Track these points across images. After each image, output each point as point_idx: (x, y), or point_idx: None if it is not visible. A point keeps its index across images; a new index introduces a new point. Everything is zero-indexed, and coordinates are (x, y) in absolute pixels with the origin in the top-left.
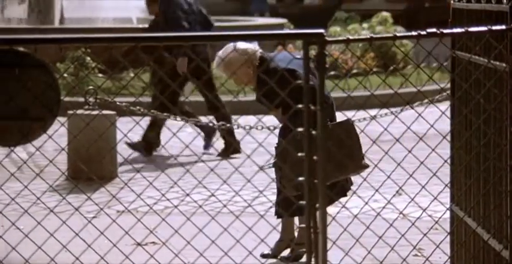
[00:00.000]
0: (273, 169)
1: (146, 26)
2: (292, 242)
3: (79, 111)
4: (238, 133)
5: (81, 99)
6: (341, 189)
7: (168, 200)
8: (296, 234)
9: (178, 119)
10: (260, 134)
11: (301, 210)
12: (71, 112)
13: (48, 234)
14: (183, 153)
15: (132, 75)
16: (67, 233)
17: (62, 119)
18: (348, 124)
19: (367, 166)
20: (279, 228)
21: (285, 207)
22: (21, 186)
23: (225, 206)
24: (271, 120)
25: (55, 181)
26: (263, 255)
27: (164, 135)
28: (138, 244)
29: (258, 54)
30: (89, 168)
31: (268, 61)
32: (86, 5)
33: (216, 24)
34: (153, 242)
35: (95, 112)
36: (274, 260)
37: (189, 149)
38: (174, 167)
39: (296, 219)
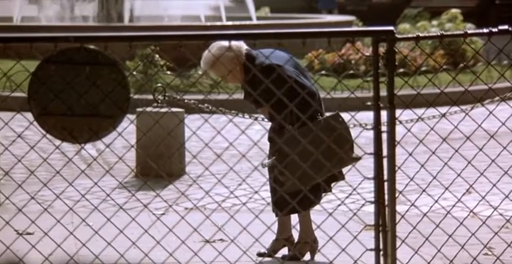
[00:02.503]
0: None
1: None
2: (287, 241)
3: (148, 109)
4: None
5: (150, 97)
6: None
7: (236, 197)
8: (292, 233)
9: (247, 116)
10: None
11: (296, 209)
12: (140, 110)
13: (118, 231)
14: (251, 150)
15: (200, 72)
16: (136, 229)
17: (131, 117)
18: (339, 117)
19: (360, 158)
20: (348, 226)
21: (281, 206)
22: (90, 183)
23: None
24: None
25: (124, 178)
26: (259, 254)
27: (232, 132)
28: (207, 241)
29: (243, 50)
30: (158, 166)
31: (255, 57)
32: (154, 3)
33: (284, 21)
34: (221, 239)
35: (164, 110)
36: (269, 259)
37: (257, 146)
38: (242, 164)
39: (295, 219)
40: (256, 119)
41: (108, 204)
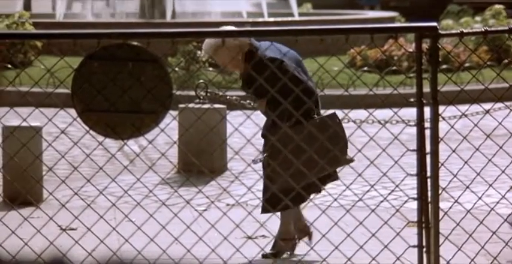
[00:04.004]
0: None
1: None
2: (302, 231)
3: (190, 105)
4: (349, 127)
5: (192, 93)
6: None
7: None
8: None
9: None
10: (371, 128)
11: (288, 205)
12: (182, 106)
13: (160, 227)
14: None
15: None
16: (178, 225)
17: (173, 113)
18: (335, 118)
19: (353, 160)
20: (391, 222)
21: (274, 203)
22: (133, 179)
23: (335, 199)
24: (382, 113)
25: (166, 174)
26: (264, 255)
27: None
28: (249, 237)
29: (247, 40)
30: (200, 162)
31: (258, 48)
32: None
33: (327, 18)
34: (263, 236)
35: (206, 106)
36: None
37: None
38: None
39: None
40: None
41: (151, 200)
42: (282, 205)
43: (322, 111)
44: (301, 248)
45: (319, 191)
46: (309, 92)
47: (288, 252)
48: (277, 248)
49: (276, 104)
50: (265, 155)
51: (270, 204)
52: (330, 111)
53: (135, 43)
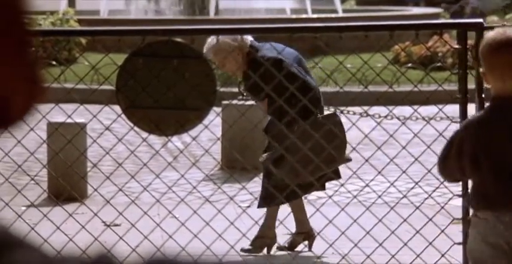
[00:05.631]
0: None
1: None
2: (307, 234)
3: (233, 102)
4: (394, 124)
5: (236, 90)
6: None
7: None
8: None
9: (331, 108)
10: (415, 124)
11: (281, 201)
12: (225, 102)
13: (204, 223)
14: None
15: None
16: (221, 221)
17: (217, 109)
18: (336, 117)
19: (350, 159)
20: (435, 219)
21: (270, 198)
22: (177, 175)
23: (379, 196)
24: (426, 110)
25: (210, 171)
26: (279, 248)
27: None
28: (292, 234)
29: (247, 41)
30: (243, 158)
31: (258, 50)
32: None
33: (370, 14)
34: None
35: (250, 102)
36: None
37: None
38: None
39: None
40: (341, 111)
41: (194, 196)
42: (275, 201)
43: (335, 109)
44: (344, 244)
45: (318, 189)
46: (308, 89)
47: (304, 246)
48: (292, 241)
49: (275, 102)
50: (269, 153)
51: (266, 199)
52: (331, 111)
53: (179, 40)
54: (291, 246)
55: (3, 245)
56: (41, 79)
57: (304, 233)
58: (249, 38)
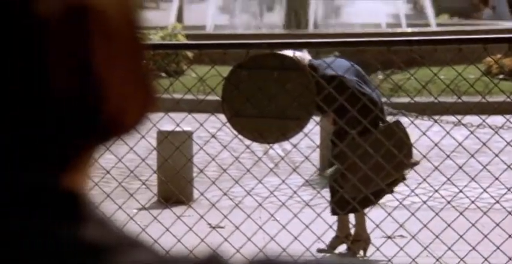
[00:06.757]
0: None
1: (398, 30)
2: (346, 238)
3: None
4: (486, 133)
5: None
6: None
7: (416, 195)
8: (352, 231)
9: (425, 118)
10: (507, 133)
11: (356, 208)
12: None
13: (303, 226)
14: (431, 151)
15: (380, 77)
16: (321, 225)
17: (316, 119)
18: (400, 124)
19: (418, 162)
20: None
21: (342, 206)
22: (278, 180)
23: (472, 202)
24: None
25: (309, 176)
26: (319, 250)
27: (413, 133)
28: (388, 237)
29: (306, 61)
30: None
31: (318, 68)
32: (336, 11)
33: (463, 28)
34: (401, 235)
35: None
36: (328, 255)
37: (438, 147)
38: (423, 163)
39: (352, 218)
40: (435, 121)
41: (294, 201)
42: (348, 209)
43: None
44: (438, 247)
45: (388, 193)
46: (372, 103)
47: (360, 254)
48: (351, 249)
49: (342, 117)
50: (335, 166)
51: (338, 206)
52: (394, 119)
53: (281, 52)
54: (332, 246)
55: (119, 244)
56: (154, 90)
57: (344, 236)
58: (307, 58)
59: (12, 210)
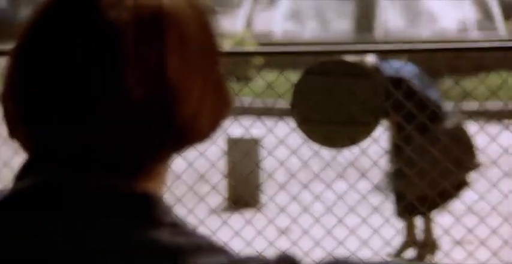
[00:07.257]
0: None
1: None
2: (415, 243)
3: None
4: None
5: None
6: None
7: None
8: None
9: (494, 123)
10: None
11: (422, 212)
12: None
13: (372, 231)
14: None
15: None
16: (389, 229)
17: (385, 125)
18: (464, 127)
19: (481, 164)
20: None
21: (409, 210)
22: (346, 185)
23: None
24: None
25: (377, 181)
26: (387, 255)
27: (482, 138)
28: (457, 243)
29: (373, 64)
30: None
31: (384, 71)
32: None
33: None
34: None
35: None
36: (396, 259)
37: (507, 152)
38: (492, 169)
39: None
40: (506, 126)
41: (362, 205)
42: (416, 212)
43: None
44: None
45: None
46: (437, 108)
47: (428, 259)
48: (419, 253)
49: (407, 120)
50: (395, 168)
51: (407, 211)
52: (459, 123)
53: (350, 59)
54: (400, 250)
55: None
56: (229, 95)
57: (411, 241)
58: (374, 60)
59: (92, 212)
